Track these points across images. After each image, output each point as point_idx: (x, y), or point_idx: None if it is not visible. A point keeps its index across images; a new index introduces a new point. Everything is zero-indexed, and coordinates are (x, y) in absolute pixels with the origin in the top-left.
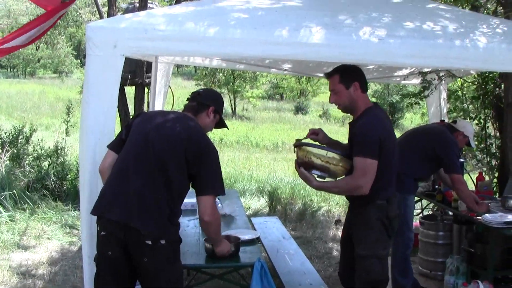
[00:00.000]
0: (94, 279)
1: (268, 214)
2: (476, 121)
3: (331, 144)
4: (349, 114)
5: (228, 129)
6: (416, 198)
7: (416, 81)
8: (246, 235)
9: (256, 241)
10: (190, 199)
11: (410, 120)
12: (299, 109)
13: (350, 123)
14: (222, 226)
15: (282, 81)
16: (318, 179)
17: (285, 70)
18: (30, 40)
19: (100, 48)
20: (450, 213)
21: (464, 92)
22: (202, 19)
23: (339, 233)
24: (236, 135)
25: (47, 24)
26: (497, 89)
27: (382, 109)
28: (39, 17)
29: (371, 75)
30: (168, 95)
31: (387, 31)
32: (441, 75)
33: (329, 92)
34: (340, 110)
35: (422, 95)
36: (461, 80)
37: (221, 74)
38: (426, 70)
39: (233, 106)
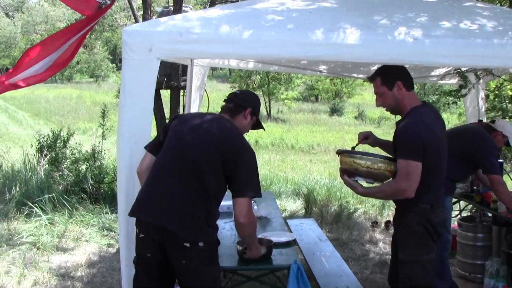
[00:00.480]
0: (132, 281)
1: (304, 216)
2: None
3: (382, 145)
4: (385, 115)
5: (264, 130)
6: (454, 200)
7: (453, 80)
8: (282, 237)
9: (292, 243)
10: (226, 202)
11: (447, 120)
12: (334, 111)
13: (396, 123)
14: (258, 228)
15: (317, 82)
16: (366, 184)
17: (321, 71)
18: (56, 66)
19: (135, 52)
20: (489, 214)
21: (503, 91)
22: (236, 22)
23: (376, 235)
24: (271, 137)
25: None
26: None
27: (432, 107)
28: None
29: None
30: (203, 98)
31: (422, 31)
32: (479, 73)
33: (364, 93)
34: (389, 112)
35: (459, 94)
36: (500, 78)
37: (258, 76)
38: (463, 69)
39: (268, 108)
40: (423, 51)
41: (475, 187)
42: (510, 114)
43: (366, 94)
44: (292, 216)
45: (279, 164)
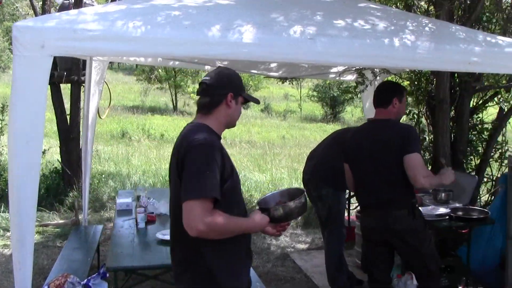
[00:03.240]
0: None
1: None
2: (410, 116)
3: None
4: (291, 109)
5: (258, 102)
6: (352, 193)
7: (351, 77)
8: None
9: None
10: (125, 199)
11: (351, 114)
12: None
13: None
14: (157, 226)
15: None
16: None
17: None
18: None
19: (27, 49)
20: None
21: None
22: (132, 18)
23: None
24: (177, 131)
25: None
26: (430, 85)
27: (374, 124)
28: None
29: (306, 72)
30: (106, 92)
31: (318, 30)
32: (376, 71)
33: (270, 87)
34: (295, 106)
35: (356, 91)
36: (396, 76)
37: (159, 70)
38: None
39: (174, 102)
40: (317, 50)
41: None
42: (406, 110)
43: (273, 87)
44: None
45: None
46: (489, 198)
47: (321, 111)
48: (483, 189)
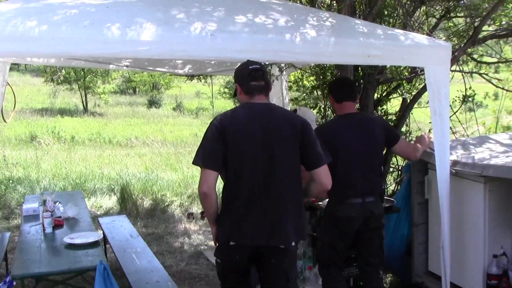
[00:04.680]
0: None
1: (119, 212)
2: (316, 110)
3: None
4: (203, 106)
5: None
6: None
7: None
8: (89, 238)
9: (99, 243)
10: (31, 204)
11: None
12: (153, 103)
13: None
14: (65, 230)
15: (134, 74)
16: None
17: (127, 65)
18: None
19: None
20: None
21: (305, 82)
22: (28, 17)
23: (192, 227)
24: (88, 133)
25: None
26: (334, 79)
27: (352, 116)
28: None
29: (212, 68)
30: (10, 95)
31: (218, 26)
32: (282, 66)
33: (182, 85)
34: (207, 104)
35: None
36: (301, 70)
37: (63, 70)
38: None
39: (84, 103)
40: (218, 47)
41: None
42: (311, 105)
43: (184, 86)
44: (107, 213)
45: (95, 160)
46: (396, 187)
47: (233, 107)
48: (389, 179)
